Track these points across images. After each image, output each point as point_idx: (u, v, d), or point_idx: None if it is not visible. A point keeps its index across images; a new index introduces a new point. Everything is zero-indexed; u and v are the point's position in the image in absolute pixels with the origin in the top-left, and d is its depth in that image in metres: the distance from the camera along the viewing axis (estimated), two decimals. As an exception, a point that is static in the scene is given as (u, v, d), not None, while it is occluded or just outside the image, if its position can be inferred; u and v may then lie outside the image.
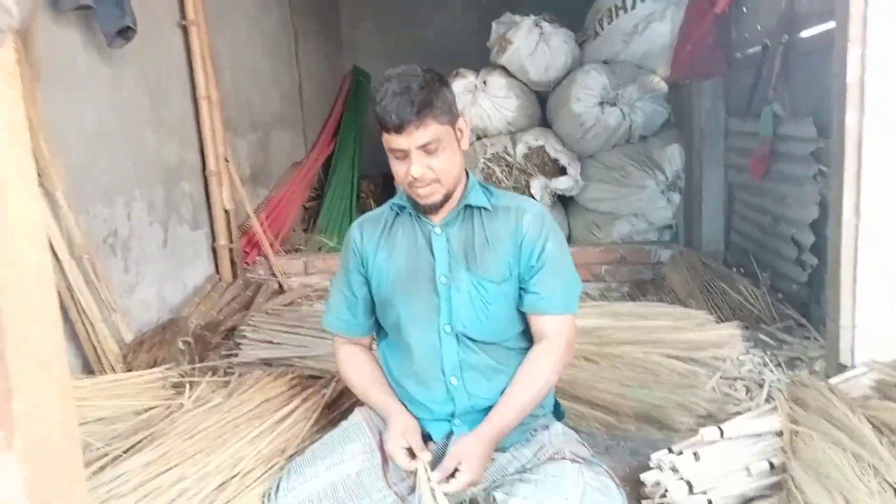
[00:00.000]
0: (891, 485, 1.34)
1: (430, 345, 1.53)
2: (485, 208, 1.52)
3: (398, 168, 1.43)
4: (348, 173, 4.68)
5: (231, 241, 3.43)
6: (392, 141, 1.38)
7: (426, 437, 1.54)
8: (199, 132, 3.32)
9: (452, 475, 1.37)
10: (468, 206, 1.52)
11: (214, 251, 3.43)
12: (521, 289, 1.53)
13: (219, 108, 3.35)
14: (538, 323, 1.54)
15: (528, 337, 1.58)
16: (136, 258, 2.76)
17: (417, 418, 1.56)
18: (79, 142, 2.43)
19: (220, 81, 3.43)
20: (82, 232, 2.26)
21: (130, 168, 2.78)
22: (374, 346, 1.71)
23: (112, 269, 2.56)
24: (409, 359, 1.56)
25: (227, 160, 3.40)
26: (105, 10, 2.39)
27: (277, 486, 1.46)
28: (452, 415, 1.55)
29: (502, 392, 1.53)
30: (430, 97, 1.37)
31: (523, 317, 1.56)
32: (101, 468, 1.44)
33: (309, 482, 1.44)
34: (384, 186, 4.80)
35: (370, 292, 1.61)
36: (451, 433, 1.54)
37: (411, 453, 1.43)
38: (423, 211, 1.50)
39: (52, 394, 0.46)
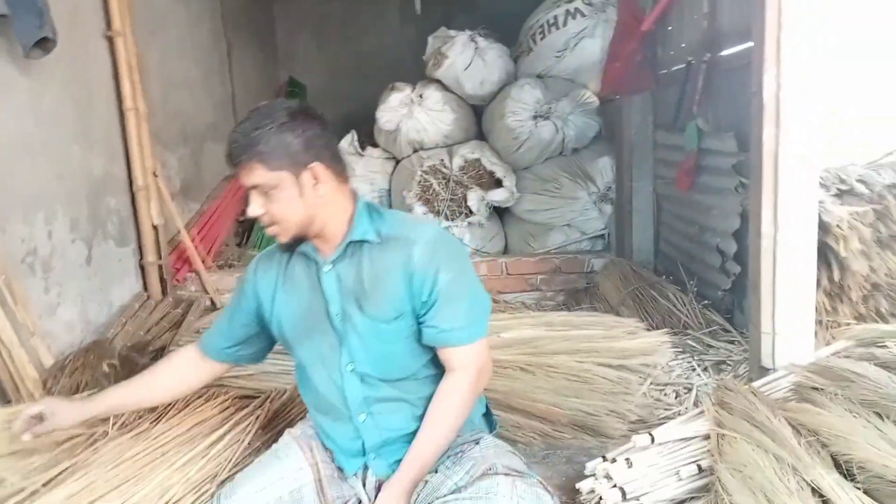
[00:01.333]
0: (808, 483, 1.41)
1: (334, 383, 1.49)
2: (373, 241, 1.46)
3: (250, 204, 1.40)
4: (284, 186, 4.60)
5: (160, 258, 3.32)
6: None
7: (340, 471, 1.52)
8: (126, 145, 3.20)
9: None
10: (353, 242, 1.46)
11: (143, 268, 3.31)
12: (419, 322, 1.47)
13: (147, 120, 3.25)
14: (444, 355, 1.47)
15: (436, 363, 1.52)
16: (58, 277, 2.64)
17: (333, 451, 1.54)
18: (-5, 154, 2.31)
19: (149, 93, 3.33)
20: (-2, 252, 2.15)
21: (53, 182, 2.65)
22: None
23: (31, 289, 2.44)
24: (317, 396, 1.53)
25: (155, 174, 3.29)
26: (22, 19, 2.29)
27: (214, 507, 1.42)
28: (363, 451, 1.51)
29: (415, 420, 1.49)
30: (259, 142, 1.33)
31: (428, 346, 1.50)
32: (18, 504, 1.37)
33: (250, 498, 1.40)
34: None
35: (255, 328, 1.60)
36: (366, 467, 1.51)
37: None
38: (314, 241, 1.46)
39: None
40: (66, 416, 1.46)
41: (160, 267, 3.33)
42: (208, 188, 4.26)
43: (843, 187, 2.48)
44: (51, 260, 2.60)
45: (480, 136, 4.41)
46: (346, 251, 1.46)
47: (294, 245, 1.45)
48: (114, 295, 3.07)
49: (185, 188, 3.92)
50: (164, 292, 3.33)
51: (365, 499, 1.45)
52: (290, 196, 1.36)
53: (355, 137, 4.45)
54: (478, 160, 4.10)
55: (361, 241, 1.46)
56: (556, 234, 4.01)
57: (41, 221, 2.57)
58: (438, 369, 1.52)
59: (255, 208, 1.36)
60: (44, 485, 1.43)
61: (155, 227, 3.29)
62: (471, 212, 4.01)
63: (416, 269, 1.42)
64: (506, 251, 4.15)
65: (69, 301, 2.70)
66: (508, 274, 3.75)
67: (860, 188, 2.47)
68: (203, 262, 3.50)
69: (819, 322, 2.34)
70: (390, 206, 4.23)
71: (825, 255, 2.37)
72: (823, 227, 2.32)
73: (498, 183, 4.09)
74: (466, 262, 1.52)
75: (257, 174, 1.33)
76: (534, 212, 4.08)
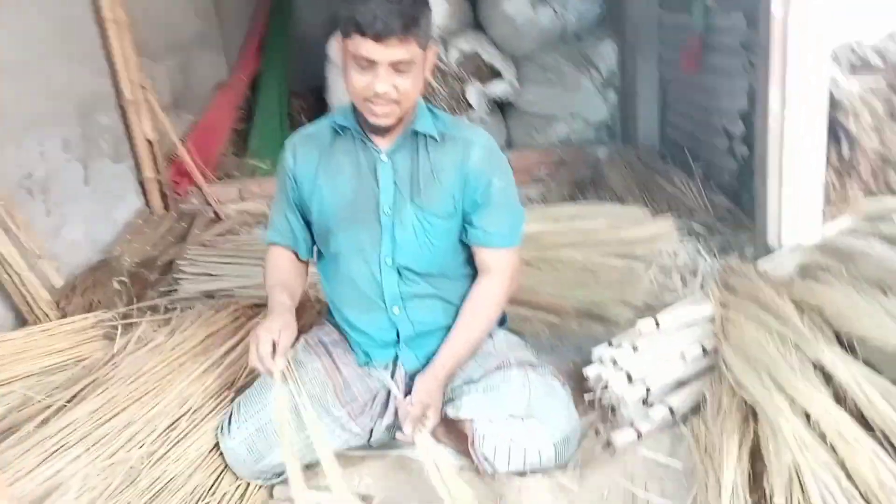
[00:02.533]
0: (811, 360, 1.43)
1: (371, 276, 1.51)
2: (432, 137, 1.46)
3: (358, 79, 1.32)
4: (277, 91, 4.47)
5: (158, 173, 3.29)
6: (364, 48, 1.27)
7: (370, 363, 1.55)
8: (110, 59, 3.09)
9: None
10: (415, 133, 1.46)
11: (142, 184, 3.28)
12: (464, 222, 1.51)
13: (129, 31, 3.11)
14: (482, 255, 1.53)
15: (470, 263, 1.58)
16: (58, 199, 2.62)
17: (361, 343, 1.57)
18: (-25, 78, 2.24)
19: (129, 2, 3.17)
20: (-8, 177, 2.13)
21: (40, 103, 2.58)
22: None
23: (33, 214, 2.43)
24: (350, 287, 1.54)
25: (143, 87, 3.20)
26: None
27: (229, 420, 1.47)
28: (396, 341, 1.56)
29: (446, 316, 1.54)
30: (418, 15, 1.28)
31: (466, 246, 1.55)
32: (45, 421, 1.42)
33: (260, 413, 1.45)
34: (316, 103, 4.62)
35: (304, 215, 1.56)
36: (396, 358, 1.56)
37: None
38: (372, 131, 1.43)
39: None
40: (288, 322, 1.41)
41: (159, 182, 3.30)
42: (200, 99, 4.15)
43: (857, 61, 2.38)
44: (48, 182, 2.57)
45: (477, 26, 4.21)
46: (404, 143, 1.46)
47: (389, 129, 1.41)
48: (116, 213, 3.06)
49: (175, 100, 3.82)
50: (166, 207, 3.32)
51: (394, 388, 1.49)
52: (417, 74, 1.35)
53: (346, 35, 4.27)
54: (476, 53, 3.94)
55: (421, 135, 1.45)
56: (560, 125, 3.92)
57: (34, 144, 2.52)
58: (471, 270, 1.58)
59: (384, 84, 1.30)
60: (67, 401, 1.49)
61: (149, 142, 3.23)
62: (471, 107, 3.91)
63: (472, 171, 1.46)
64: (509, 145, 4.08)
65: (72, 222, 2.69)
66: (512, 168, 3.70)
67: (875, 60, 2.37)
68: (202, 174, 3.46)
69: (826, 198, 2.31)
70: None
71: (835, 131, 2.31)
72: (834, 103, 2.24)
73: (497, 75, 3.96)
74: (511, 172, 1.56)
75: (408, 48, 1.28)
76: (536, 103, 3.97)
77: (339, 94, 4.00)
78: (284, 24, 4.89)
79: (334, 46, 3.98)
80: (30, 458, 1.32)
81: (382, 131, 1.42)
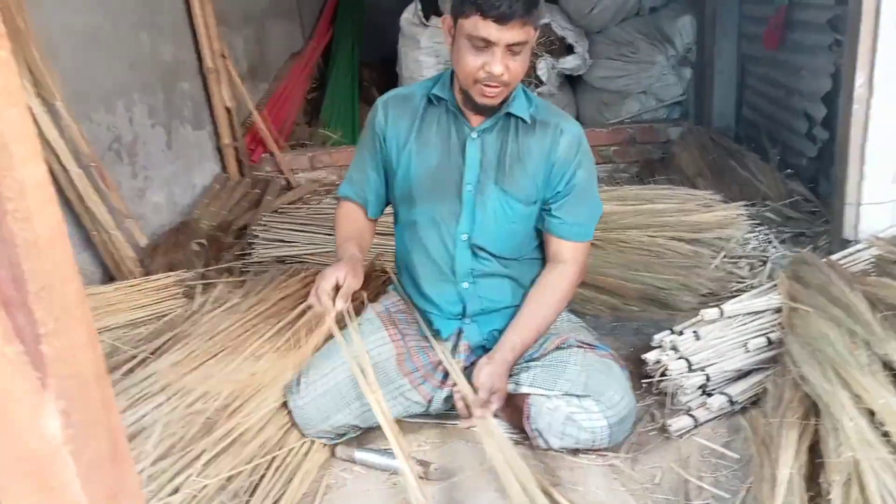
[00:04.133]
0: (880, 357, 1.40)
1: (444, 249, 1.54)
2: (523, 120, 1.47)
3: (472, 59, 1.33)
4: (348, 62, 4.54)
5: (235, 139, 3.41)
6: (484, 29, 1.29)
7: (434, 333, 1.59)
8: (193, 29, 3.21)
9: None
10: (508, 115, 1.47)
11: (219, 150, 3.42)
12: (542, 209, 1.52)
13: (210, 1, 3.22)
14: (556, 246, 1.54)
15: (542, 249, 1.59)
16: (143, 163, 2.77)
17: (427, 312, 1.61)
18: (71, 47, 2.37)
19: (208, -28, 3.26)
20: (86, 140, 2.26)
21: (127, 71, 2.72)
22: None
23: (120, 176, 2.58)
24: (423, 256, 1.57)
25: (223, 56, 3.31)
26: None
27: (298, 380, 1.55)
28: (462, 315, 1.59)
29: (514, 297, 1.57)
30: (539, 1, 1.30)
31: (540, 232, 1.56)
32: (131, 370, 1.54)
33: (328, 375, 1.52)
34: (386, 74, 4.67)
35: (386, 175, 1.58)
36: (460, 331, 1.60)
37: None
38: (473, 109, 1.44)
39: (79, 336, 0.50)
40: (353, 269, 1.43)
41: (236, 149, 3.43)
42: (274, 68, 4.26)
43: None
44: (134, 146, 2.72)
45: (550, -2, 4.15)
46: (496, 123, 1.48)
47: (494, 109, 1.43)
48: (195, 177, 3.21)
49: (252, 69, 3.93)
50: (241, 173, 3.45)
51: (454, 361, 1.52)
52: (527, 55, 1.37)
53: (419, 7, 4.27)
54: (547, 25, 3.88)
55: (514, 118, 1.47)
56: (632, 102, 3.84)
57: (122, 109, 2.66)
58: (542, 254, 1.60)
59: (500, 67, 1.32)
60: (151, 353, 1.60)
61: (228, 110, 3.35)
62: (540, 81, 3.86)
63: (559, 159, 1.47)
64: (578, 121, 4.01)
65: (155, 185, 2.84)
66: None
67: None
68: (276, 142, 3.57)
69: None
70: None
71: (925, 118, 2.18)
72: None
73: (569, 49, 3.89)
74: (594, 164, 1.56)
75: (525, 31, 1.32)
76: (608, 79, 3.89)
77: (409, 66, 4.02)
78: (356, -5, 4.94)
79: (406, 16, 4.00)
80: (117, 404, 1.43)
81: (486, 110, 1.43)
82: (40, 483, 0.50)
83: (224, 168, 3.44)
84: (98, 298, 1.94)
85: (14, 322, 0.45)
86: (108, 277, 2.36)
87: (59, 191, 2.24)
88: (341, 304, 1.37)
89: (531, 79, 3.87)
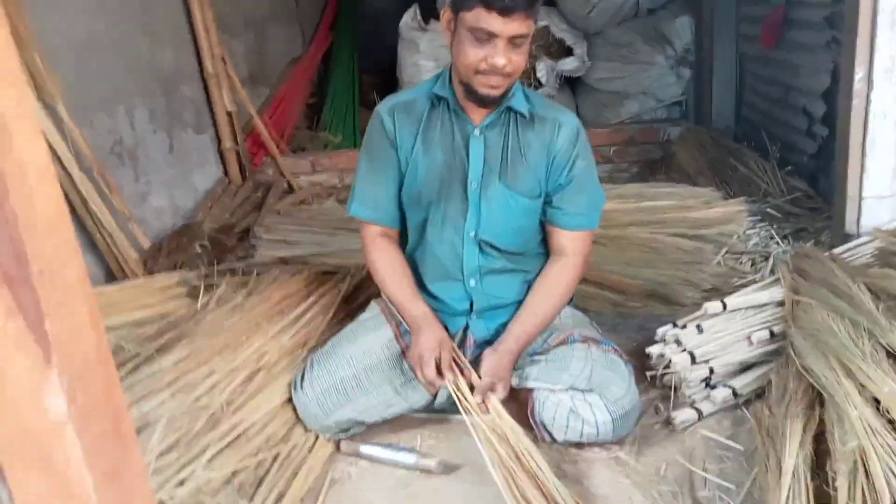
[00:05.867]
0: (884, 347, 1.40)
1: (453, 247, 1.54)
2: (522, 115, 1.48)
3: (474, 52, 1.34)
4: (348, 67, 4.56)
5: (237, 144, 3.43)
6: (487, 21, 1.30)
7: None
8: (193, 34, 3.23)
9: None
10: (509, 110, 1.48)
11: (221, 154, 3.43)
12: (545, 202, 1.53)
13: (210, 6, 3.24)
14: (559, 237, 1.55)
15: (546, 242, 1.60)
16: (145, 166, 2.78)
17: (434, 310, 1.61)
18: (71, 52, 2.38)
19: (209, -23, 3.29)
20: (88, 144, 2.27)
21: (128, 76, 2.73)
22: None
23: (122, 179, 2.58)
24: (430, 255, 1.57)
25: (224, 61, 3.33)
26: None
27: (302, 377, 1.56)
28: (469, 311, 1.60)
29: (521, 292, 1.57)
30: None
31: (544, 225, 1.58)
32: (136, 368, 1.53)
33: (331, 372, 1.53)
34: (386, 80, 4.69)
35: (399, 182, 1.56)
36: (466, 326, 1.60)
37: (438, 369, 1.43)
38: (476, 102, 1.44)
39: (82, 315, 0.50)
40: (441, 333, 1.47)
41: (237, 153, 3.44)
42: (275, 73, 4.28)
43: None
44: (136, 150, 2.73)
45: (548, 0, 4.17)
46: (498, 119, 1.49)
47: (496, 101, 1.43)
48: (197, 181, 3.22)
49: (252, 74, 3.95)
50: (243, 177, 3.46)
51: (462, 356, 1.52)
52: (527, 48, 1.38)
53: (418, 11, 4.30)
54: (546, 27, 3.90)
55: (514, 113, 1.48)
56: (631, 102, 3.85)
57: (122, 114, 2.67)
58: (547, 249, 1.61)
59: (503, 59, 1.33)
60: (156, 351, 1.60)
61: (229, 114, 3.36)
62: (540, 83, 3.88)
63: (559, 152, 1.48)
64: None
65: (157, 188, 2.85)
66: (581, 147, 3.66)
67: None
68: (277, 146, 3.59)
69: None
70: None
71: (924, 112, 2.19)
72: (925, 82, 2.13)
73: (568, 51, 3.91)
74: (593, 155, 1.57)
75: (527, 24, 1.33)
76: (607, 80, 3.91)
77: (408, 70, 4.04)
78: (356, 1, 4.96)
79: (405, 21, 4.02)
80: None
81: (486, 103, 1.43)
82: (43, 460, 0.50)
83: (226, 172, 3.45)
84: (101, 298, 1.93)
85: (17, 299, 0.45)
86: (112, 279, 2.36)
87: (62, 193, 2.24)
88: (451, 376, 1.40)
89: (531, 81, 3.88)
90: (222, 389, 1.45)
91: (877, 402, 1.29)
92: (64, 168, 2.19)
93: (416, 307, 1.51)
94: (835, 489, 1.18)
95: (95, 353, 0.52)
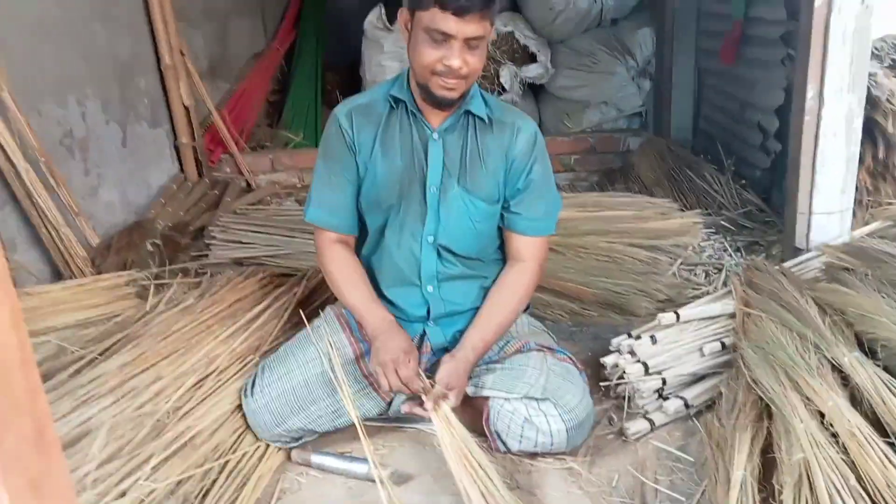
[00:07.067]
0: (829, 360, 1.44)
1: (410, 252, 1.52)
2: (481, 119, 1.47)
3: (430, 53, 1.32)
4: (312, 64, 4.50)
5: (194, 139, 3.34)
6: (443, 22, 1.28)
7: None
8: (150, 23, 3.13)
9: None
10: (467, 113, 1.47)
11: (177, 150, 3.34)
12: (502, 207, 1.53)
13: (169, -5, 3.16)
14: (516, 242, 1.54)
15: (504, 248, 1.60)
16: (96, 160, 2.68)
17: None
18: (20, 36, 2.28)
19: (168, -34, 3.20)
20: (34, 134, 2.18)
21: (80, 63, 2.64)
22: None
23: (71, 172, 2.49)
24: (387, 260, 1.55)
25: (182, 53, 3.24)
26: None
27: (253, 383, 1.52)
28: (426, 318, 1.58)
29: (478, 298, 1.56)
30: None
31: (501, 231, 1.57)
32: (78, 371, 1.48)
33: (283, 378, 1.49)
34: (349, 78, 4.64)
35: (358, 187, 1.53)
36: (423, 333, 1.59)
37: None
38: (433, 104, 1.42)
39: (2, 315, 0.47)
40: (408, 342, 1.43)
41: (194, 148, 3.35)
42: (235, 68, 4.19)
43: (899, 58, 2.33)
44: (87, 142, 2.63)
45: (513, 6, 4.19)
46: (456, 123, 1.47)
47: (452, 103, 1.41)
48: (151, 176, 3.13)
49: (212, 68, 3.86)
50: (200, 174, 3.38)
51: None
52: (484, 50, 1.37)
53: (383, 11, 4.27)
54: (511, 33, 3.92)
55: (473, 116, 1.47)
56: (592, 112, 3.90)
57: (73, 104, 2.58)
58: (504, 254, 1.60)
59: (458, 60, 1.32)
60: (100, 354, 1.54)
61: (186, 108, 3.28)
62: (503, 89, 3.90)
63: (517, 156, 1.48)
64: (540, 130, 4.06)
65: (108, 183, 2.76)
66: (541, 154, 3.69)
67: (918, 59, 2.32)
68: (236, 143, 3.51)
69: (859, 202, 2.28)
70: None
71: (871, 131, 2.27)
72: (872, 101, 2.21)
73: (532, 58, 3.93)
74: (550, 161, 1.57)
75: (483, 25, 1.31)
76: (569, 88, 3.94)
77: (372, 70, 4.01)
78: (320, -3, 4.90)
79: (370, 20, 3.99)
80: (62, 405, 1.37)
81: (443, 106, 1.42)
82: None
83: (182, 168, 3.36)
84: (45, 297, 1.86)
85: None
86: (57, 276, 2.27)
87: (6, 185, 2.15)
88: (419, 383, 1.38)
89: (494, 86, 3.89)
90: (169, 395, 1.41)
91: (821, 415, 1.32)
92: (8, 158, 2.10)
93: (376, 313, 1.48)
94: (781, 501, 1.20)
95: (16, 359, 0.48)
